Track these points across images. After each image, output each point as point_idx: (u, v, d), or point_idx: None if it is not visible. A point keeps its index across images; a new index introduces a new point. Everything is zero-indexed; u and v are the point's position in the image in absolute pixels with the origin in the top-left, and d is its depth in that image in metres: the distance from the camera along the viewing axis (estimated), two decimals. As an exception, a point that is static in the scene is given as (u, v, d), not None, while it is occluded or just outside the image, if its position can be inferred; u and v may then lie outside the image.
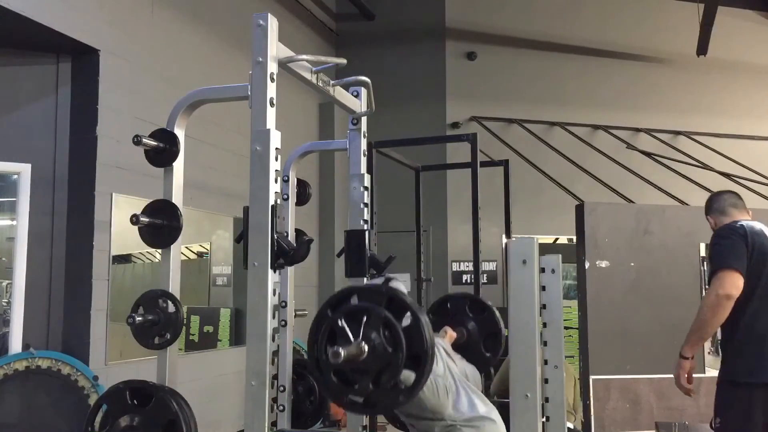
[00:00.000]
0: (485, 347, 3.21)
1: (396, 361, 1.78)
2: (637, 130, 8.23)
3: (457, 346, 3.11)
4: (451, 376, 2.79)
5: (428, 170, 4.86)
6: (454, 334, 3.12)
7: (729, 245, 2.74)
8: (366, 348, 1.77)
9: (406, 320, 1.83)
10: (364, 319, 1.81)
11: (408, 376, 1.81)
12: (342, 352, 1.71)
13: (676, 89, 8.57)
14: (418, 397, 2.55)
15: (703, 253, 5.73)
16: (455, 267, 7.57)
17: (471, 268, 6.49)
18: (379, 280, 2.56)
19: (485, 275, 7.23)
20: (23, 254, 4.10)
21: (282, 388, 2.84)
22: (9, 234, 4.27)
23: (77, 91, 4.45)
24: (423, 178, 4.71)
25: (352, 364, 1.78)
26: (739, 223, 2.84)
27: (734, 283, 2.62)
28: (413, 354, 1.80)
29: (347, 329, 1.80)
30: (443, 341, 3.01)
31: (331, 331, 1.84)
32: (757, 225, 2.86)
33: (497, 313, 3.27)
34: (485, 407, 2.81)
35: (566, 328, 4.62)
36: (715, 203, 3.10)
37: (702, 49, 7.82)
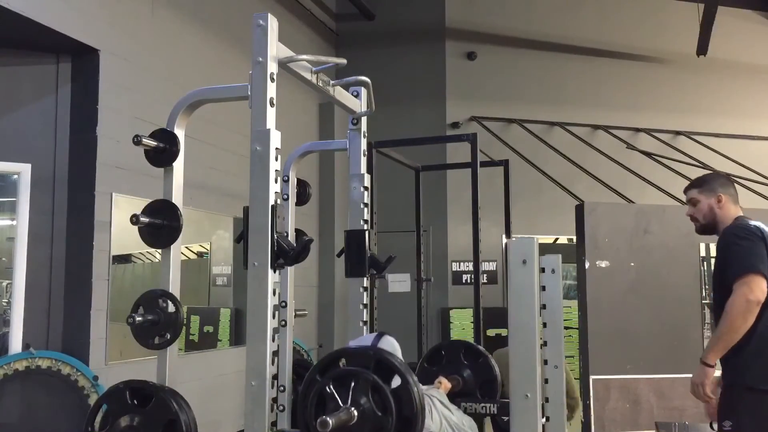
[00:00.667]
0: (481, 394, 3.19)
1: (386, 425, 1.79)
2: (637, 130, 8.23)
3: (453, 394, 3.09)
4: (448, 426, 2.76)
5: (428, 170, 4.86)
6: (449, 384, 3.10)
7: (750, 247, 2.61)
8: (355, 413, 1.78)
9: (395, 382, 1.83)
10: (353, 384, 1.82)
11: None
12: (330, 421, 1.70)
13: (676, 89, 8.57)
14: None
15: (703, 253, 5.73)
16: (455, 267, 7.57)
17: (471, 268, 6.49)
18: (371, 337, 2.51)
19: (485, 275, 7.23)
20: (23, 254, 4.10)
21: (282, 388, 2.84)
22: (9, 234, 4.27)
23: (77, 91, 4.45)
24: (423, 178, 4.71)
25: (343, 430, 1.78)
26: (753, 223, 2.75)
27: (762, 288, 2.51)
28: (404, 416, 1.81)
29: (336, 395, 1.81)
30: (438, 392, 2.96)
31: (320, 396, 1.85)
32: (764, 226, 2.81)
33: (492, 359, 3.27)
34: None
35: (566, 328, 4.62)
36: (729, 187, 2.86)
37: (702, 49, 7.83)
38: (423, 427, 1.84)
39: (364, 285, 2.85)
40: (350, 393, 1.80)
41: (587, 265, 4.55)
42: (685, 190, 2.91)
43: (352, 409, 1.78)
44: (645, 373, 4.48)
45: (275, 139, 2.00)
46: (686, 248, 4.66)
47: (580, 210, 4.72)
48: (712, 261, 7.68)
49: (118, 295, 4.46)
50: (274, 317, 1.97)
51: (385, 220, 4.17)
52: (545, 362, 2.71)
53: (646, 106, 8.42)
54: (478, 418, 3.13)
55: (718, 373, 2.76)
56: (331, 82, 2.50)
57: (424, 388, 2.91)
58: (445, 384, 3.07)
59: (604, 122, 8.10)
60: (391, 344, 2.40)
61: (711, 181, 2.85)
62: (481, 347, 3.40)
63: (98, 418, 2.16)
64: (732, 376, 2.66)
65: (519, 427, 2.01)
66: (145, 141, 2.25)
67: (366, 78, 2.63)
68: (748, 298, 2.49)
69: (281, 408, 2.83)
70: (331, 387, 1.83)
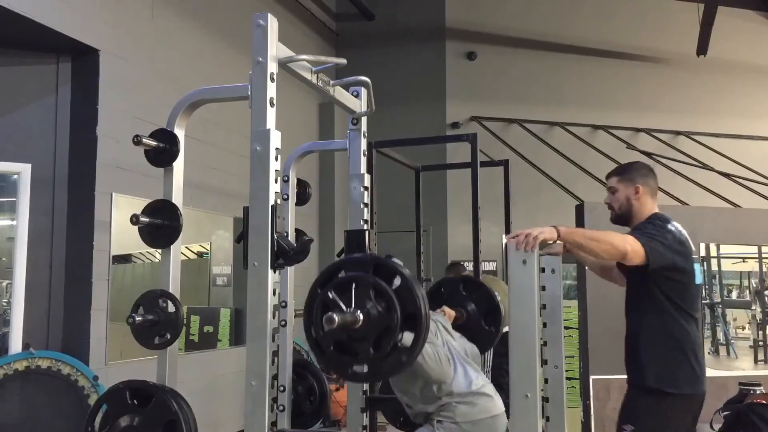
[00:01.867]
0: (486, 323, 3.26)
1: (392, 322, 1.80)
2: (637, 130, 8.22)
3: (458, 327, 3.14)
4: (448, 350, 2.81)
5: (428, 170, 4.85)
6: (453, 313, 3.15)
7: (656, 233, 2.55)
8: (360, 315, 1.78)
9: (397, 282, 1.84)
10: (354, 288, 1.82)
11: (407, 337, 1.82)
12: (335, 316, 1.72)
13: (676, 89, 8.57)
14: (421, 367, 2.57)
15: (703, 252, 5.73)
16: (455, 267, 7.56)
17: (471, 268, 6.48)
18: None
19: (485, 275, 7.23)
20: (23, 254, 4.10)
21: (282, 388, 2.84)
22: (9, 234, 4.27)
23: (77, 91, 4.45)
24: (423, 178, 4.70)
25: (350, 333, 1.79)
26: (674, 225, 2.66)
27: (639, 256, 2.43)
28: (408, 314, 1.82)
29: (339, 300, 1.80)
30: (442, 317, 3.04)
31: (324, 305, 1.84)
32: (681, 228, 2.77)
33: (491, 288, 3.32)
34: (482, 382, 2.83)
35: (566, 328, 4.62)
36: (650, 179, 2.78)
37: (702, 49, 7.83)
38: (429, 323, 1.85)
39: (364, 285, 2.85)
40: (353, 297, 1.81)
41: (587, 265, 4.54)
42: (606, 177, 2.89)
43: (357, 311, 1.78)
44: (645, 373, 4.46)
45: (275, 139, 2.00)
46: (686, 248, 4.65)
47: (580, 210, 4.72)
48: (713, 261, 7.70)
49: (118, 295, 4.46)
50: (274, 317, 1.97)
51: (385, 220, 4.16)
52: (545, 362, 2.71)
53: (646, 106, 8.42)
54: (484, 347, 3.21)
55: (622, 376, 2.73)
56: (331, 82, 2.50)
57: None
58: (448, 312, 3.13)
59: (604, 122, 8.10)
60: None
61: (632, 171, 2.78)
62: (479, 279, 3.48)
63: (98, 418, 2.16)
64: (635, 377, 2.63)
65: (519, 427, 2.01)
66: (145, 141, 2.25)
67: (366, 78, 2.62)
68: (626, 245, 2.41)
69: (281, 408, 2.84)
70: (334, 294, 1.83)
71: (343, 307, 1.80)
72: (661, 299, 2.58)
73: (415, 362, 2.03)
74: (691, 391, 2.56)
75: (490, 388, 2.85)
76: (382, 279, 1.84)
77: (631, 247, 2.43)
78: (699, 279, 2.67)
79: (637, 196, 2.74)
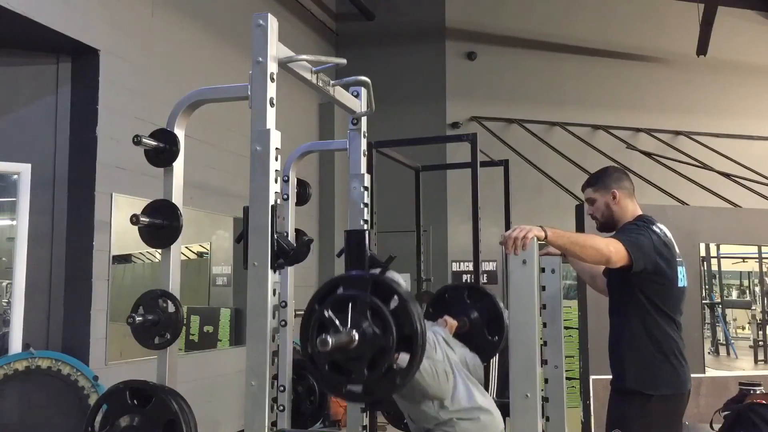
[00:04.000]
0: (489, 332, 3.24)
1: (387, 343, 1.80)
2: (637, 130, 8.22)
3: (461, 335, 3.12)
4: (449, 364, 2.79)
5: (428, 170, 4.85)
6: (455, 323, 3.13)
7: (640, 234, 2.56)
8: (356, 335, 1.78)
9: (394, 303, 1.84)
10: (351, 307, 1.82)
11: (403, 358, 1.82)
12: (330, 339, 1.72)
13: (676, 89, 8.57)
14: (419, 383, 2.57)
15: (703, 253, 5.73)
16: (455, 267, 7.56)
17: (471, 268, 6.48)
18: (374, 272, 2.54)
19: (485, 275, 7.23)
20: (23, 254, 4.10)
21: (282, 388, 2.84)
22: (9, 234, 4.27)
23: (77, 91, 4.45)
24: (423, 178, 4.70)
25: (345, 353, 1.79)
26: (659, 226, 2.68)
27: (621, 257, 2.43)
28: (404, 335, 1.81)
29: (335, 319, 1.81)
30: (443, 330, 3.01)
31: (320, 323, 1.84)
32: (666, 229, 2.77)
33: (496, 297, 3.31)
34: (483, 398, 2.81)
35: (566, 328, 4.62)
36: (624, 181, 2.79)
37: (702, 49, 7.83)
38: (425, 344, 1.84)
39: (364, 285, 2.84)
40: (349, 316, 1.81)
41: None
42: (582, 189, 2.90)
43: (353, 331, 1.78)
44: (645, 373, 4.46)
45: (275, 139, 2.00)
46: (686, 248, 4.64)
47: (580, 210, 4.72)
48: (713, 261, 7.68)
49: (118, 295, 4.46)
50: (274, 317, 1.97)
51: (385, 220, 4.16)
52: (545, 362, 2.71)
53: (646, 106, 8.42)
54: (486, 357, 3.20)
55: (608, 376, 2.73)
56: (331, 82, 2.50)
57: (429, 323, 2.92)
58: (450, 322, 3.10)
59: (604, 122, 8.10)
60: (395, 277, 2.40)
61: (605, 178, 2.79)
62: (484, 288, 3.45)
63: (98, 418, 2.16)
64: (616, 379, 2.64)
65: (519, 427, 2.01)
66: (145, 141, 2.25)
67: (366, 78, 2.62)
68: (609, 248, 2.40)
69: (281, 408, 2.84)
70: (330, 312, 1.83)
71: (339, 326, 1.80)
72: (643, 301, 2.58)
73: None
74: (671, 391, 2.56)
75: (492, 405, 2.83)
76: (380, 298, 1.83)
77: (614, 249, 2.43)
78: (682, 282, 2.66)
79: (615, 201, 2.75)
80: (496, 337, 3.23)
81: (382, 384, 1.85)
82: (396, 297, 1.84)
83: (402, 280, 2.45)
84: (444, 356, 2.80)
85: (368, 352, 1.80)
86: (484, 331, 3.23)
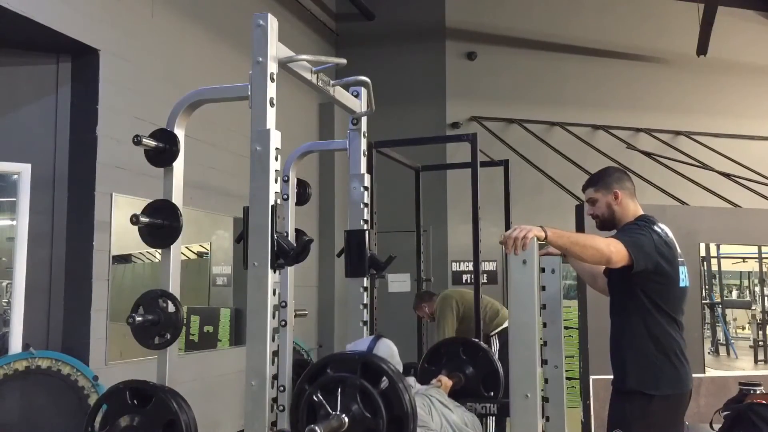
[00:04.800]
0: (485, 388, 3.19)
1: (377, 427, 1.80)
2: (637, 130, 8.22)
3: (456, 392, 3.08)
4: (448, 425, 2.74)
5: (428, 170, 4.86)
6: (450, 382, 3.08)
7: (641, 233, 2.55)
8: (346, 419, 1.79)
9: (383, 384, 1.84)
10: (340, 390, 1.83)
11: None
12: (319, 429, 1.72)
13: (676, 89, 8.56)
14: None
15: (703, 252, 5.72)
16: (455, 267, 7.56)
17: (471, 268, 6.49)
18: (368, 340, 2.48)
19: (485, 275, 7.23)
20: (23, 254, 4.10)
21: (282, 388, 2.84)
22: (9, 234, 4.27)
23: (77, 91, 4.45)
24: (423, 178, 4.71)
25: None
26: (661, 226, 2.68)
27: (621, 257, 2.43)
28: (395, 416, 1.82)
29: (324, 403, 1.82)
30: (437, 392, 2.93)
31: (310, 405, 1.86)
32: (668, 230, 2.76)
33: (492, 352, 3.29)
34: None
35: (566, 328, 4.62)
36: (625, 182, 2.80)
37: (702, 49, 7.82)
38: (416, 425, 1.84)
39: (364, 285, 2.85)
40: (339, 399, 1.82)
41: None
42: (583, 189, 2.90)
43: (342, 415, 1.79)
44: (645, 373, 4.46)
45: (275, 139, 2.00)
46: (686, 248, 4.63)
47: (580, 210, 4.72)
48: (713, 261, 7.68)
49: (118, 295, 4.46)
50: (274, 317, 1.97)
51: (385, 220, 4.17)
52: (545, 362, 2.71)
53: (646, 106, 8.41)
54: (483, 416, 3.13)
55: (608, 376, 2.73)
56: (331, 82, 2.50)
57: (422, 388, 2.90)
58: (445, 382, 3.06)
59: (604, 122, 8.09)
60: (387, 347, 2.39)
61: (606, 178, 2.80)
62: (479, 342, 3.42)
63: (98, 418, 2.16)
64: (617, 380, 2.64)
65: (519, 427, 2.01)
66: (145, 141, 2.25)
67: (366, 78, 2.62)
68: (609, 248, 2.40)
69: (281, 408, 2.83)
70: (320, 395, 1.85)
71: (329, 409, 1.81)
72: (644, 301, 2.58)
73: None
74: (672, 391, 2.56)
75: None
76: (369, 380, 1.84)
77: (615, 249, 2.43)
78: (684, 282, 2.66)
79: (617, 201, 2.75)
80: (492, 393, 3.18)
81: None
82: (385, 378, 1.84)
83: (393, 348, 2.43)
84: (441, 420, 2.74)
85: None
86: (480, 386, 3.19)
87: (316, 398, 1.84)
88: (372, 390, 1.82)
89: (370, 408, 1.81)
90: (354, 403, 1.82)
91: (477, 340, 3.51)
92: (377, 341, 2.40)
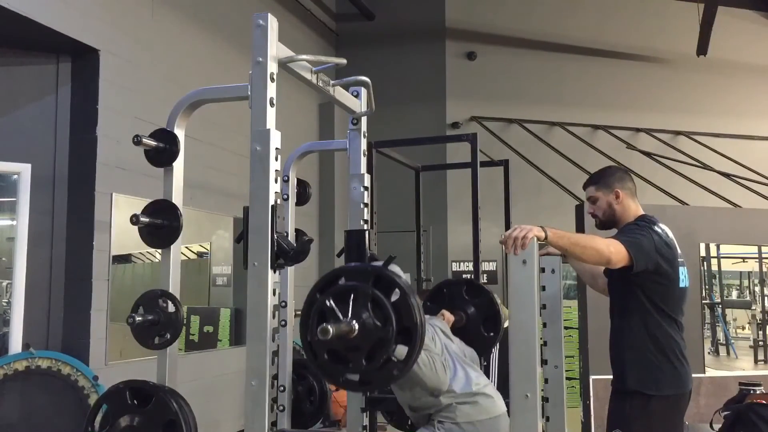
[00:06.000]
0: (485, 328, 3.27)
1: (387, 335, 1.81)
2: (637, 130, 8.22)
3: (457, 330, 3.15)
4: (448, 354, 2.83)
5: (428, 170, 4.86)
6: (452, 317, 3.18)
7: (642, 234, 2.54)
8: (356, 325, 1.79)
9: (395, 296, 1.85)
10: (352, 298, 1.83)
11: (401, 350, 1.83)
12: (330, 328, 1.73)
13: (676, 89, 8.56)
14: (417, 376, 2.58)
15: (703, 253, 5.72)
16: (455, 267, 7.56)
17: (471, 268, 6.47)
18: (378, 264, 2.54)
19: (485, 275, 7.23)
20: (23, 254, 4.10)
21: (282, 388, 2.84)
22: (9, 234, 4.27)
23: (77, 91, 4.45)
24: (423, 178, 4.70)
25: (344, 342, 1.80)
26: (661, 226, 2.66)
27: (621, 257, 2.43)
28: (404, 328, 1.83)
29: (336, 309, 1.81)
30: (441, 322, 3.06)
31: (321, 312, 1.85)
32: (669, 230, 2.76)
33: (493, 294, 3.33)
34: (483, 382, 2.85)
35: (566, 328, 4.62)
36: (627, 182, 2.79)
37: (702, 49, 7.82)
38: (423, 338, 1.86)
39: (364, 285, 2.85)
40: (350, 307, 1.82)
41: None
42: (584, 187, 2.89)
43: (353, 321, 1.79)
44: (645, 373, 4.46)
45: (275, 139, 2.00)
46: (686, 248, 4.63)
47: (580, 210, 4.72)
48: (713, 261, 7.67)
49: (118, 295, 4.46)
50: (274, 317, 1.97)
51: (385, 220, 4.17)
52: (545, 362, 2.71)
53: (646, 106, 8.42)
54: (486, 355, 3.28)
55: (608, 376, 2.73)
56: (331, 82, 2.50)
57: (427, 317, 2.95)
58: (447, 317, 3.16)
59: (604, 122, 8.09)
60: (399, 270, 2.41)
61: (607, 177, 2.79)
62: (482, 284, 3.47)
63: (98, 418, 2.16)
64: (617, 380, 2.63)
65: (519, 427, 2.01)
66: (145, 141, 2.25)
67: (366, 78, 2.62)
68: (609, 249, 2.40)
69: (281, 408, 2.84)
70: (332, 302, 1.84)
71: (340, 316, 1.81)
72: (644, 302, 2.57)
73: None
74: (672, 391, 2.56)
75: (492, 389, 2.86)
76: (382, 291, 1.84)
77: (615, 249, 2.42)
78: (684, 282, 2.66)
79: (618, 200, 2.74)
80: (492, 333, 3.26)
81: (379, 374, 1.86)
82: (397, 290, 1.85)
83: (402, 273, 2.46)
84: (443, 348, 2.83)
85: (367, 342, 1.82)
86: (481, 327, 3.26)
87: (328, 303, 1.83)
88: (384, 300, 1.82)
89: (380, 317, 1.82)
90: (365, 311, 1.82)
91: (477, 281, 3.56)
92: (388, 264, 2.41)
